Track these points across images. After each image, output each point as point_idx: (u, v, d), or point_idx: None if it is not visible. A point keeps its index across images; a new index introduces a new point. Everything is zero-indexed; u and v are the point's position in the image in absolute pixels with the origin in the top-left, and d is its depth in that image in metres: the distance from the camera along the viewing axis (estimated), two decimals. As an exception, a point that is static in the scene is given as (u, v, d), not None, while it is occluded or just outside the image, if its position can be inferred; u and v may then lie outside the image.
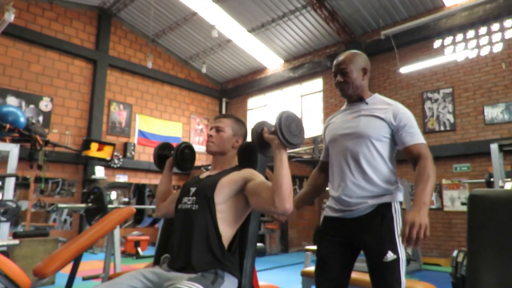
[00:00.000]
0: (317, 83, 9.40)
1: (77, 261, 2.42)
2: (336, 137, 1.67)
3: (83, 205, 3.48)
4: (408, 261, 5.09)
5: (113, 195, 10.92)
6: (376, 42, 7.85)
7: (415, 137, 1.54)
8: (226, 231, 1.46)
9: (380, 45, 7.66)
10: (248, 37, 9.17)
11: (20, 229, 9.08)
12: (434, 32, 7.12)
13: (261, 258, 6.04)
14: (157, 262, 2.85)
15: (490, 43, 6.62)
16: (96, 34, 8.79)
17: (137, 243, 6.96)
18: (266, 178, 1.61)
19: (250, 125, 9.64)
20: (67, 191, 10.71)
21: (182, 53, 10.31)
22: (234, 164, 1.65)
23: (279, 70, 10.00)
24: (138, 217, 10.98)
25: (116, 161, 8.66)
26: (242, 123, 1.69)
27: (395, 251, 1.47)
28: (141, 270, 1.46)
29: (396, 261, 1.46)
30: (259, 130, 1.43)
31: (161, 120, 9.93)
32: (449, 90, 7.10)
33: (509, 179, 4.95)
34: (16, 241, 3.30)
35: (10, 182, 3.79)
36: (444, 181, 7.05)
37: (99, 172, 8.22)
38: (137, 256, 6.70)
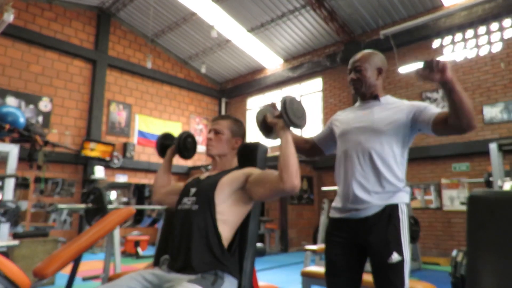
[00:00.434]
0: (317, 83, 9.41)
1: (77, 261, 2.42)
2: (347, 130, 1.65)
3: (83, 205, 3.48)
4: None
5: (113, 195, 10.94)
6: (375, 42, 7.85)
7: (438, 110, 1.52)
8: (226, 231, 1.46)
9: (379, 45, 7.66)
10: (247, 37, 9.17)
11: (19, 229, 9.09)
12: (433, 31, 7.13)
13: (260, 258, 6.04)
14: (157, 263, 2.86)
15: (489, 42, 6.63)
16: (95, 34, 8.79)
17: (137, 243, 6.97)
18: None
19: (250, 125, 9.63)
20: (67, 191, 10.71)
21: (182, 53, 10.31)
22: (234, 165, 1.65)
23: (278, 70, 10.00)
24: (138, 217, 10.98)
25: (115, 161, 8.66)
26: (240, 123, 1.70)
27: (401, 252, 1.46)
28: (141, 272, 1.46)
29: (401, 262, 1.45)
30: (262, 117, 1.52)
31: (161, 120, 9.93)
32: (448, 90, 7.10)
33: (507, 178, 4.96)
34: (16, 242, 3.30)
35: (10, 183, 3.79)
36: (443, 181, 7.06)
37: (99, 172, 8.22)
38: (137, 256, 6.70)
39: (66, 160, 7.97)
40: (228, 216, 1.47)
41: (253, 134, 10.75)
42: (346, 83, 8.66)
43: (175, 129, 10.15)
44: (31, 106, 7.55)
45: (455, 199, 6.90)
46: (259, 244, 2.05)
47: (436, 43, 7.18)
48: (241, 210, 1.51)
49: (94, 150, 8.09)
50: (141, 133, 9.50)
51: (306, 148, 1.88)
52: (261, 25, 8.67)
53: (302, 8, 7.97)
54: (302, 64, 9.36)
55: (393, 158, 1.55)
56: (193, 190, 1.56)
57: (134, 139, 9.35)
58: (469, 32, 6.83)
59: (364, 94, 1.68)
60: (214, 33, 7.54)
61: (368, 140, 1.57)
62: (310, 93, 9.56)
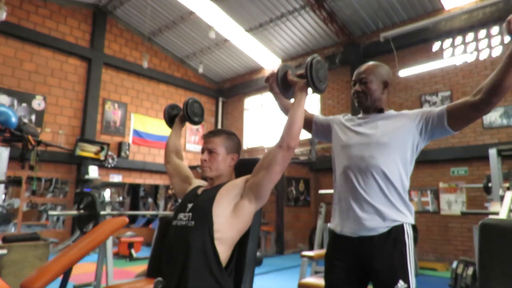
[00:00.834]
0: (315, 84, 9.33)
1: (66, 275, 2.33)
2: (350, 144, 1.56)
3: (75, 212, 3.38)
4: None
5: (107, 193, 10.83)
6: (374, 44, 7.78)
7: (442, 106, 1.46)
8: (223, 250, 1.38)
9: (379, 47, 7.59)
10: (245, 36, 9.06)
11: (12, 227, 8.96)
12: (433, 34, 7.07)
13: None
14: (151, 273, 2.77)
15: (489, 46, 6.58)
16: (91, 32, 8.65)
17: (130, 245, 6.86)
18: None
19: (246, 126, 9.53)
20: (60, 189, 10.59)
21: (179, 52, 10.19)
22: (232, 180, 1.57)
23: (276, 70, 9.91)
24: (132, 217, 10.88)
25: (110, 160, 8.54)
26: (233, 136, 1.61)
27: (407, 280, 1.39)
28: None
29: None
30: (283, 72, 1.51)
31: (157, 120, 9.81)
32: (447, 93, 7.05)
33: (507, 185, 4.91)
34: (4, 251, 3.19)
35: None
36: (441, 185, 7.01)
37: (93, 172, 8.10)
38: (130, 258, 6.61)
39: (60, 160, 7.84)
40: (225, 233, 1.39)
41: (252, 134, 10.67)
42: (345, 84, 8.60)
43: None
44: (24, 105, 7.41)
45: (452, 203, 6.86)
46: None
47: (436, 46, 7.12)
48: (239, 225, 1.43)
49: (87, 150, 7.96)
50: (136, 133, 9.38)
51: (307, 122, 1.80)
52: (260, 25, 8.56)
53: (301, 9, 7.88)
54: (301, 65, 9.27)
55: (398, 175, 1.48)
56: (189, 205, 1.48)
57: (129, 138, 9.23)
58: (470, 36, 6.78)
59: (368, 107, 1.60)
60: (212, 33, 7.44)
61: (372, 157, 1.49)
62: (308, 95, 9.47)
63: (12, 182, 7.47)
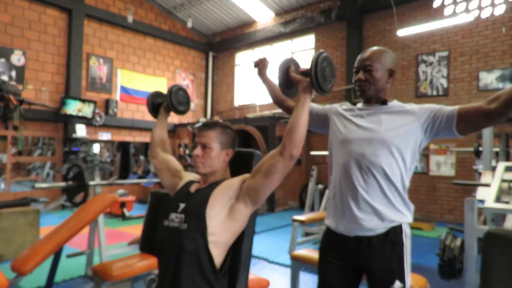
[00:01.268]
0: (309, 40, 8.98)
1: (57, 256, 2.29)
2: (350, 139, 1.47)
3: (63, 183, 3.29)
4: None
5: (96, 148, 10.70)
6: (373, -1, 7.39)
7: (453, 107, 1.35)
8: (218, 253, 1.33)
9: (378, 2, 7.22)
10: (236, -13, 8.51)
11: (1, 183, 8.89)
12: (435, -11, 6.70)
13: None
14: (143, 249, 2.76)
15: (493, 4, 6.29)
16: (69, -21, 7.99)
17: (123, 204, 6.88)
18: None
19: (237, 82, 9.26)
20: (48, 145, 10.43)
21: (166, 3, 9.58)
22: (227, 176, 1.48)
23: (269, 24, 9.46)
24: (123, 173, 10.88)
25: (98, 118, 8.32)
26: (229, 130, 1.48)
27: (403, 280, 1.38)
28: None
29: None
30: (285, 68, 1.36)
31: (144, 75, 9.46)
32: (445, 54, 6.86)
33: (497, 149, 4.95)
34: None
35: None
36: (432, 146, 7.06)
37: (80, 130, 7.91)
38: (123, 217, 6.66)
39: (45, 118, 7.59)
40: (219, 236, 1.32)
41: (243, 91, 10.44)
42: (340, 41, 8.28)
43: (160, 85, 9.74)
44: (2, 60, 7.00)
45: (442, 164, 6.96)
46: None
47: (437, 3, 6.79)
48: (234, 228, 1.36)
49: (73, 108, 7.70)
50: (124, 89, 9.08)
51: (291, 107, 1.70)
52: (252, -25, 8.01)
53: (296, -43, 7.34)
54: (295, 19, 8.84)
55: (400, 175, 1.41)
56: (182, 205, 1.39)
57: (117, 95, 8.94)
58: (473, -8, 6.45)
59: (370, 97, 1.49)
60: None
61: (374, 154, 1.40)
62: (302, 50, 9.16)
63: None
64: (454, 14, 6.49)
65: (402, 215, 1.42)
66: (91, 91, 8.40)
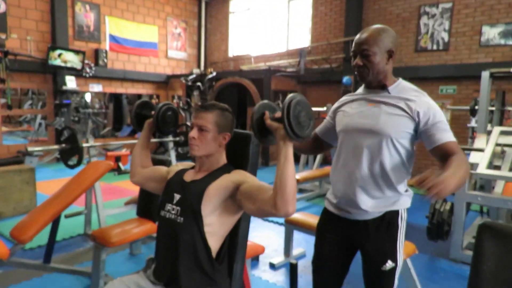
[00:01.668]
0: (307, -13, 8.50)
1: (55, 223, 2.32)
2: (349, 129, 1.46)
3: (56, 146, 3.24)
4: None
5: (87, 97, 10.50)
6: None
7: (448, 134, 1.34)
8: (215, 243, 1.34)
9: None
10: None
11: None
12: None
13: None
14: (140, 212, 2.80)
15: (504, -48, 5.92)
16: None
17: (118, 158, 6.91)
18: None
19: (232, 31, 8.88)
20: (38, 95, 10.20)
21: None
22: (223, 162, 1.44)
23: (265, -32, 8.89)
24: (117, 125, 10.79)
25: (87, 69, 8.06)
26: (227, 113, 1.42)
27: (395, 259, 1.44)
28: (126, 282, 1.37)
29: (394, 269, 1.44)
30: (259, 115, 1.23)
31: (134, 23, 9.02)
32: (449, 5, 6.57)
33: (493, 108, 4.92)
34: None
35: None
36: (427, 103, 7.02)
37: (70, 82, 7.68)
38: (119, 171, 6.71)
39: (32, 69, 7.33)
40: (216, 227, 1.33)
41: (237, 40, 10.07)
42: (340, -11, 7.85)
43: (151, 34, 9.34)
44: (-18, 6, 6.58)
45: (436, 121, 6.97)
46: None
47: (445, -51, 6.37)
48: (230, 221, 1.37)
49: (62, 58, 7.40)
50: (113, 38, 8.69)
51: (310, 147, 1.69)
52: None
53: None
54: (293, -37, 8.30)
55: (401, 162, 1.40)
56: (177, 196, 1.37)
57: (106, 45, 8.58)
58: None
59: (370, 82, 1.44)
60: None
61: (373, 144, 1.39)
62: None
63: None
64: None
65: (401, 200, 1.44)
66: (79, 40, 8.04)
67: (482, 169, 3.04)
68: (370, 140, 1.40)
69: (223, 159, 1.45)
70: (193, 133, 1.37)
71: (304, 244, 3.38)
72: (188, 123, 4.14)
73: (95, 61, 8.31)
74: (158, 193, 1.55)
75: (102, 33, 8.43)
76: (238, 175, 1.35)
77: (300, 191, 5.27)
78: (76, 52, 7.62)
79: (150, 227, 2.53)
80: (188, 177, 1.43)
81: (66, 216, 3.34)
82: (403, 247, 1.49)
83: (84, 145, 3.31)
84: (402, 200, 1.44)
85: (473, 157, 3.45)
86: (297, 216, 3.01)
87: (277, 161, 1.17)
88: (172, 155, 4.43)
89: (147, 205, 2.71)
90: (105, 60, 8.47)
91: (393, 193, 1.42)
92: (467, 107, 5.88)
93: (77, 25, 7.96)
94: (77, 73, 7.80)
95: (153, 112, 1.68)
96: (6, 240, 3.25)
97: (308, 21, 8.57)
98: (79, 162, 3.27)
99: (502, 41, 6.11)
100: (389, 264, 1.42)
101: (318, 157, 5.54)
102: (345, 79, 7.79)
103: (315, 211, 4.46)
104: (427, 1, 6.79)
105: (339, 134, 1.53)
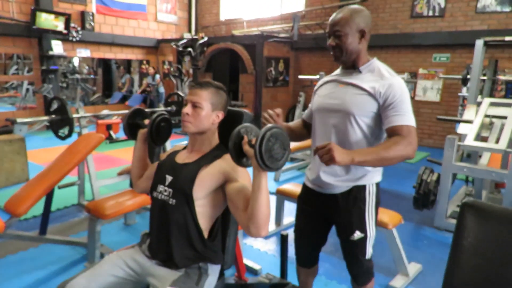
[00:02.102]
0: None
1: (49, 197, 2.34)
2: (321, 108, 1.55)
3: (46, 117, 3.19)
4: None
5: (76, 61, 10.24)
6: None
7: (401, 117, 1.35)
8: (206, 224, 1.38)
9: None
10: None
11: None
12: None
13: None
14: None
15: None
16: None
17: (109, 127, 6.86)
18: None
19: None
20: (24, 60, 9.89)
21: None
22: (215, 142, 1.45)
23: None
24: (107, 92, 10.61)
25: (74, 33, 7.79)
26: (222, 91, 1.42)
27: (363, 230, 1.54)
28: (122, 256, 1.41)
29: (363, 238, 1.55)
30: (238, 139, 1.21)
31: (121, -16, 8.64)
32: (447, -31, 6.38)
33: (485, 77, 4.94)
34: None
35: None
36: (420, 70, 7.00)
37: (57, 47, 7.45)
38: (110, 140, 6.67)
39: (16, 33, 7.07)
40: (207, 209, 1.36)
41: (229, 4, 9.74)
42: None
43: (139, -4, 8.96)
44: (-42, -35, 6.21)
45: (428, 90, 6.99)
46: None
47: None
48: (221, 204, 1.40)
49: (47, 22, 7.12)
50: (100, 0, 8.34)
51: (302, 134, 1.75)
52: None
53: None
54: None
55: (366, 140, 1.46)
56: (169, 178, 1.39)
57: (93, 7, 8.25)
58: None
59: (345, 62, 1.49)
60: None
61: (339, 122, 1.46)
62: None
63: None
64: None
65: (368, 176, 1.51)
66: (63, 2, 7.72)
67: (470, 141, 3.10)
68: (336, 119, 1.47)
69: (215, 139, 1.46)
70: (187, 109, 1.37)
71: (294, 213, 3.47)
72: (180, 92, 4.09)
73: (81, 24, 8.03)
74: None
75: (87, -6, 8.08)
76: (228, 167, 1.34)
77: (292, 160, 5.34)
78: (61, 14, 7.32)
79: (143, 199, 2.57)
80: (180, 158, 1.44)
81: (60, 187, 3.36)
82: (376, 219, 1.58)
83: (75, 115, 3.27)
84: (370, 175, 1.51)
85: (462, 128, 3.51)
86: (288, 186, 3.08)
87: (252, 187, 1.18)
88: (164, 124, 4.40)
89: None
90: (92, 23, 8.19)
91: (359, 170, 1.49)
92: (460, 76, 5.88)
93: (61, -14, 7.61)
94: (64, 37, 7.55)
95: (146, 121, 1.62)
96: (0, 210, 3.28)
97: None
98: (69, 134, 3.24)
99: (499, 8, 6.01)
100: (357, 234, 1.53)
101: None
102: (339, 45, 7.67)
103: (306, 179, 4.54)
104: (425, -36, 6.58)
105: (314, 115, 1.61)
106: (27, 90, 10.17)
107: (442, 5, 6.56)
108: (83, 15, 8.02)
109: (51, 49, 7.37)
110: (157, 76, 8.84)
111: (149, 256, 1.41)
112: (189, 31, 10.23)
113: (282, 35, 8.13)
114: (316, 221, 1.65)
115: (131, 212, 3.05)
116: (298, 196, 1.74)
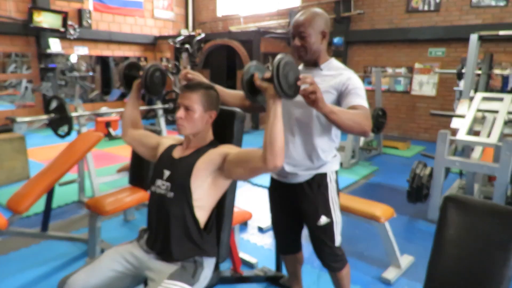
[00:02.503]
0: None
1: (49, 195, 2.41)
2: (285, 102, 1.62)
3: (45, 116, 3.25)
4: (370, 150, 5.47)
5: (73, 58, 10.23)
6: None
7: (358, 99, 1.48)
8: (203, 215, 1.44)
9: None
10: None
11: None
12: None
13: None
14: (132, 181, 2.90)
15: None
16: None
17: (108, 124, 6.90)
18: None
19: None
20: (22, 57, 9.90)
21: None
22: (209, 139, 1.52)
23: None
24: (106, 89, 10.64)
25: (71, 31, 7.81)
26: (212, 91, 1.47)
27: (329, 215, 1.65)
28: (121, 251, 1.47)
29: (330, 223, 1.66)
30: (249, 76, 1.31)
31: (118, -19, 8.63)
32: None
33: (479, 71, 4.98)
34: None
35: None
36: (416, 65, 7.04)
37: (54, 45, 7.47)
38: (109, 137, 6.73)
39: (14, 32, 7.08)
40: (204, 201, 1.43)
41: (226, 4, 9.74)
42: None
43: (136, -7, 8.96)
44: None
45: (424, 84, 7.04)
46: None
47: None
48: (218, 192, 1.47)
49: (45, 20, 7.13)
50: (96, -3, 8.36)
51: (245, 105, 1.79)
52: None
53: None
54: None
55: (326, 132, 1.60)
56: (167, 173, 1.45)
57: (89, 4, 8.26)
58: None
59: (308, 61, 1.62)
60: None
61: (302, 114, 1.58)
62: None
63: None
64: None
65: (328, 165, 1.65)
66: (60, 0, 7.71)
67: (462, 136, 3.16)
68: (299, 113, 1.58)
69: (209, 136, 1.52)
70: (180, 113, 1.43)
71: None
72: (177, 89, 4.14)
73: (78, 22, 8.04)
74: (147, 159, 1.67)
75: (84, -8, 8.08)
76: (224, 148, 1.44)
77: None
78: (58, 12, 7.33)
79: (142, 195, 2.63)
80: (177, 153, 1.51)
81: (60, 185, 3.42)
82: (338, 205, 1.70)
83: (73, 114, 3.33)
84: (329, 164, 1.65)
85: (455, 121, 3.57)
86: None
87: (265, 120, 1.27)
88: (162, 122, 4.46)
89: (138, 174, 2.79)
90: (89, 21, 8.20)
91: (319, 160, 1.61)
92: (455, 71, 5.92)
93: (58, -16, 7.61)
94: (61, 35, 7.57)
95: (141, 73, 1.73)
96: (2, 208, 3.34)
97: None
98: (69, 132, 3.30)
99: (493, 2, 6.05)
100: (324, 219, 1.64)
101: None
102: (336, 39, 7.71)
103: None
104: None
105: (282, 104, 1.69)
106: (26, 88, 10.20)
107: (438, 0, 6.58)
108: (80, 12, 8.03)
109: (48, 47, 7.40)
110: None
111: (147, 250, 1.47)
112: (186, 27, 10.24)
113: (279, 31, 8.15)
114: (288, 208, 1.77)
115: (130, 209, 3.11)
116: (268, 189, 1.86)
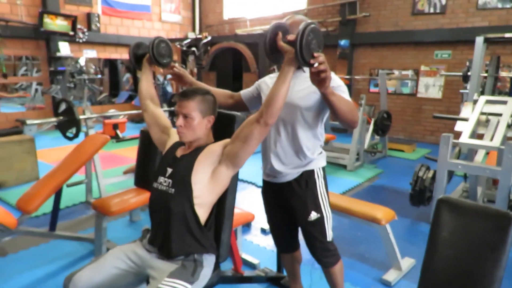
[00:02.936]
0: None
1: (58, 196, 2.48)
2: None
3: (54, 118, 3.34)
4: (375, 153, 5.47)
5: (82, 60, 10.39)
6: None
7: (346, 95, 1.53)
8: (203, 212, 1.49)
9: None
10: None
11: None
12: None
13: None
14: (138, 183, 2.96)
15: None
16: None
17: (115, 126, 7.01)
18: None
19: None
20: (32, 60, 10.10)
21: None
22: (210, 140, 1.58)
23: None
24: (114, 91, 10.78)
25: (80, 35, 7.94)
26: (208, 96, 1.52)
27: (319, 210, 1.68)
28: (125, 250, 1.52)
29: (321, 219, 1.69)
30: (273, 35, 1.35)
31: (126, -15, 8.76)
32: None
33: (485, 74, 4.96)
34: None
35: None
36: (422, 67, 7.03)
37: (64, 48, 7.61)
38: (117, 139, 6.83)
39: (25, 35, 7.23)
40: (204, 198, 1.47)
41: (232, 2, 9.82)
42: None
43: (144, -3, 9.07)
44: (-32, -30, 6.38)
45: (430, 86, 7.02)
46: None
47: None
48: (218, 188, 1.50)
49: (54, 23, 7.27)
50: (105, 1, 8.48)
51: (228, 103, 1.86)
52: None
53: None
54: None
55: (312, 130, 1.65)
56: (169, 170, 1.51)
57: (98, 8, 8.39)
58: None
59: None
60: None
61: (288, 114, 1.61)
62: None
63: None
64: None
65: (314, 162, 1.69)
66: (70, 4, 7.86)
67: (465, 139, 3.17)
68: (283, 112, 1.58)
69: (210, 139, 1.58)
70: (179, 121, 1.48)
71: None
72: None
73: (87, 26, 8.17)
74: (156, 143, 1.73)
75: (93, -5, 8.22)
76: (223, 140, 1.51)
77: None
78: (67, 16, 7.47)
79: (147, 196, 2.66)
80: (179, 153, 1.57)
81: (68, 186, 3.50)
82: (328, 201, 1.74)
83: (81, 117, 3.41)
84: (315, 161, 1.69)
85: (459, 124, 3.57)
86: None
87: (275, 81, 1.34)
88: (168, 124, 4.52)
89: (144, 175, 2.85)
90: (98, 24, 8.33)
91: (306, 157, 1.65)
92: (461, 73, 5.90)
93: (67, -12, 7.75)
94: (70, 39, 7.70)
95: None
96: (12, 208, 3.43)
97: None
98: (77, 134, 3.38)
99: (499, 4, 6.02)
100: (314, 215, 1.68)
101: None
102: (342, 42, 7.73)
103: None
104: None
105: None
106: (36, 90, 10.39)
107: (443, 2, 6.58)
108: (89, 16, 8.16)
109: (58, 50, 7.54)
110: (168, 75, 8.98)
111: (149, 250, 1.53)
112: (193, 30, 10.34)
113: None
114: (281, 208, 1.81)
115: (136, 209, 3.18)
116: (261, 192, 1.91)
